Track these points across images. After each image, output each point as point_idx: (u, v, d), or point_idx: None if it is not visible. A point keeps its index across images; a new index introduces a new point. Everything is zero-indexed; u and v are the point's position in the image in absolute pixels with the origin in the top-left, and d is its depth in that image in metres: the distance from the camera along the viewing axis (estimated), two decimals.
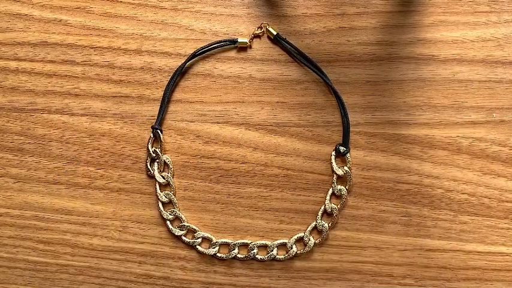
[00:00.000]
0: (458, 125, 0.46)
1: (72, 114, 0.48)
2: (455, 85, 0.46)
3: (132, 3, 0.48)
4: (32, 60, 0.48)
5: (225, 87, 0.47)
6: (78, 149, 0.47)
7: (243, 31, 0.48)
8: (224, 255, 0.46)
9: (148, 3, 0.48)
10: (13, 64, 0.48)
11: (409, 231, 0.45)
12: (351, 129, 0.46)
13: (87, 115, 0.48)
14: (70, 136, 0.47)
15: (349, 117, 0.46)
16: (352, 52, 0.47)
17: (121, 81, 0.48)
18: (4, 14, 0.49)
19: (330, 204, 0.45)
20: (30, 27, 0.49)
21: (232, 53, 0.47)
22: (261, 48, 0.47)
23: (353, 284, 0.46)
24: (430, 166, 0.46)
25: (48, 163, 0.47)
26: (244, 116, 0.47)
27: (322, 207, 0.46)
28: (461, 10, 0.47)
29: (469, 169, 0.46)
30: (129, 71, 0.48)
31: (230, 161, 0.47)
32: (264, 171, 0.46)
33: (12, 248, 0.47)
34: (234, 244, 0.46)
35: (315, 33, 0.47)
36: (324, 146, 0.46)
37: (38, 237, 0.47)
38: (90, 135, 0.47)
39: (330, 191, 0.46)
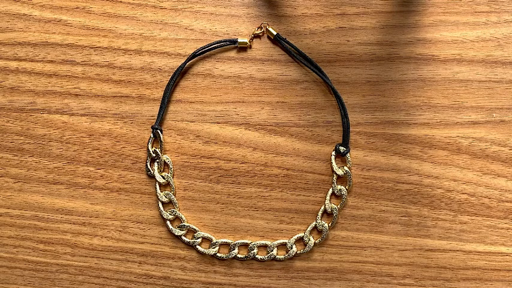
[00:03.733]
0: (458, 125, 0.46)
1: (72, 114, 0.48)
2: (455, 85, 0.46)
3: (132, 3, 0.48)
4: (32, 60, 0.48)
5: (225, 87, 0.47)
6: (78, 149, 0.47)
7: (243, 31, 0.48)
8: (224, 255, 0.46)
9: (148, 3, 0.48)
10: (13, 64, 0.48)
11: (409, 231, 0.45)
12: (350, 129, 0.46)
13: (87, 115, 0.48)
14: (70, 136, 0.47)
15: (349, 117, 0.46)
16: (352, 52, 0.47)
17: (121, 81, 0.48)
18: (4, 14, 0.49)
19: (330, 204, 0.45)
20: (30, 27, 0.49)
21: (233, 53, 0.47)
22: (261, 48, 0.47)
23: (353, 284, 0.46)
24: (430, 166, 0.46)
25: (48, 163, 0.47)
26: (244, 116, 0.47)
27: (322, 207, 0.46)
28: (461, 10, 0.47)
29: (469, 169, 0.46)
30: (129, 71, 0.48)
31: (230, 161, 0.47)
32: (264, 171, 0.46)
33: (12, 248, 0.47)
34: (234, 244, 0.46)
35: (315, 33, 0.47)
36: (324, 146, 0.46)
37: (38, 237, 0.47)
38: (90, 135, 0.47)
39: (330, 191, 0.46)
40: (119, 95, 0.48)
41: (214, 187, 0.46)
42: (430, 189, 0.45)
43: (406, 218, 0.46)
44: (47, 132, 0.48)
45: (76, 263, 0.47)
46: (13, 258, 0.47)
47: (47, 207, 0.47)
